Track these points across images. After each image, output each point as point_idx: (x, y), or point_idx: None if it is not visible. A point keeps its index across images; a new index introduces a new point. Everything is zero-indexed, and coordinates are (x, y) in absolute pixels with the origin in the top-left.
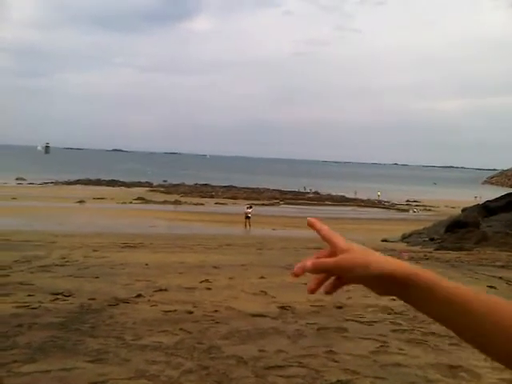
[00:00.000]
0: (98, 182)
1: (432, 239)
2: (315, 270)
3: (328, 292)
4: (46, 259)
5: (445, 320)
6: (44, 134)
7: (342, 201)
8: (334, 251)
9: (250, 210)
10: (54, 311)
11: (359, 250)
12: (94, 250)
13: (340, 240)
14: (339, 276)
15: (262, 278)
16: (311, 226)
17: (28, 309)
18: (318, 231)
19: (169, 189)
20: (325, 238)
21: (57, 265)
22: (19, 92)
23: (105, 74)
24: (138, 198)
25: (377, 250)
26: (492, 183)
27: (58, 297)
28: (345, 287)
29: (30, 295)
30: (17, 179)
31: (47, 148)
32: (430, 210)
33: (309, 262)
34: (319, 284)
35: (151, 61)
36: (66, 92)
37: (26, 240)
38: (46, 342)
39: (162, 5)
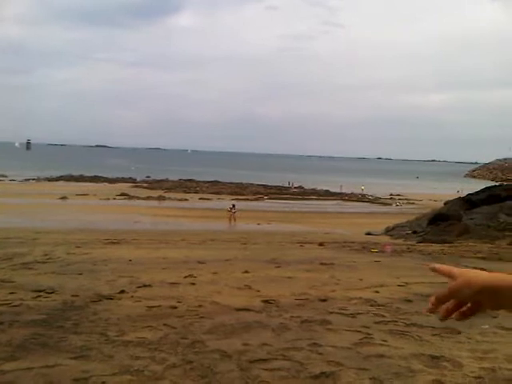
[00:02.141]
0: (80, 178)
1: (415, 232)
2: (437, 301)
3: (458, 319)
4: (27, 256)
5: None
6: (26, 130)
7: (326, 195)
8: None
9: (233, 211)
10: (36, 308)
11: (466, 274)
12: (77, 247)
13: (455, 271)
14: (472, 305)
15: (247, 272)
16: (436, 271)
17: (9, 306)
18: (445, 274)
19: (152, 184)
20: (450, 277)
21: (39, 262)
22: (0, 89)
23: (88, 70)
24: (122, 194)
25: (361, 242)
26: (474, 176)
27: (41, 294)
28: (330, 280)
29: (11, 293)
30: None
31: (28, 144)
32: (412, 203)
33: (431, 299)
34: (450, 312)
35: (135, 56)
36: (49, 88)
37: (7, 237)
38: (28, 339)
39: (146, 0)
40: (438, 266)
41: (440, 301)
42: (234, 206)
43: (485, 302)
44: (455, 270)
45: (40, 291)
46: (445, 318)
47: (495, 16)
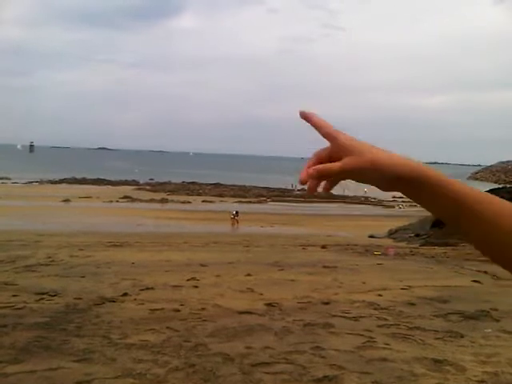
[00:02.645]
0: (83, 181)
1: (418, 235)
2: (320, 176)
3: (327, 190)
4: (31, 259)
5: (450, 220)
6: (28, 132)
7: (329, 198)
8: (334, 150)
9: (236, 218)
10: (39, 311)
11: (363, 150)
12: (80, 249)
13: (341, 137)
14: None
15: (249, 275)
16: (306, 118)
17: (13, 309)
18: (316, 127)
19: (155, 187)
20: (324, 135)
21: (42, 264)
22: (1, 91)
23: (89, 72)
24: (125, 197)
25: (364, 245)
26: (477, 179)
27: (44, 297)
28: (333, 283)
29: (14, 295)
30: (1, 178)
31: (31, 147)
32: (415, 205)
33: (311, 170)
34: (317, 183)
35: (136, 58)
36: (50, 90)
37: (10, 240)
38: (31, 342)
39: (146, 2)
40: (309, 112)
41: (322, 177)
42: (237, 212)
43: (383, 185)
44: (342, 136)
45: (43, 294)
46: (312, 191)
47: (497, 18)
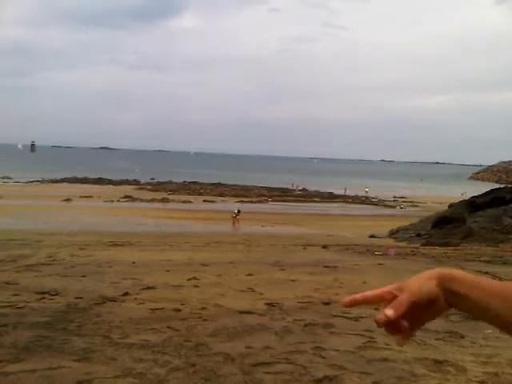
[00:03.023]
0: (84, 180)
1: (419, 235)
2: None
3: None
4: (32, 258)
5: (494, 322)
6: (29, 132)
7: (330, 197)
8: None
9: (238, 217)
10: (40, 310)
11: (405, 286)
12: (81, 249)
13: (387, 290)
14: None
15: (250, 274)
16: (354, 304)
17: (13, 308)
18: (366, 302)
19: (156, 186)
20: (379, 300)
21: (43, 264)
22: (3, 91)
23: (91, 72)
24: (126, 196)
25: (365, 245)
26: (478, 179)
27: (45, 296)
28: (334, 283)
29: (15, 295)
30: (2, 178)
31: (33, 146)
32: (416, 206)
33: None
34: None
35: (138, 58)
36: (52, 90)
37: (11, 239)
38: (32, 341)
39: (147, 2)
40: (353, 299)
41: (400, 314)
42: (239, 211)
43: (444, 304)
44: (385, 290)
45: (44, 293)
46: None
47: (497, 18)
